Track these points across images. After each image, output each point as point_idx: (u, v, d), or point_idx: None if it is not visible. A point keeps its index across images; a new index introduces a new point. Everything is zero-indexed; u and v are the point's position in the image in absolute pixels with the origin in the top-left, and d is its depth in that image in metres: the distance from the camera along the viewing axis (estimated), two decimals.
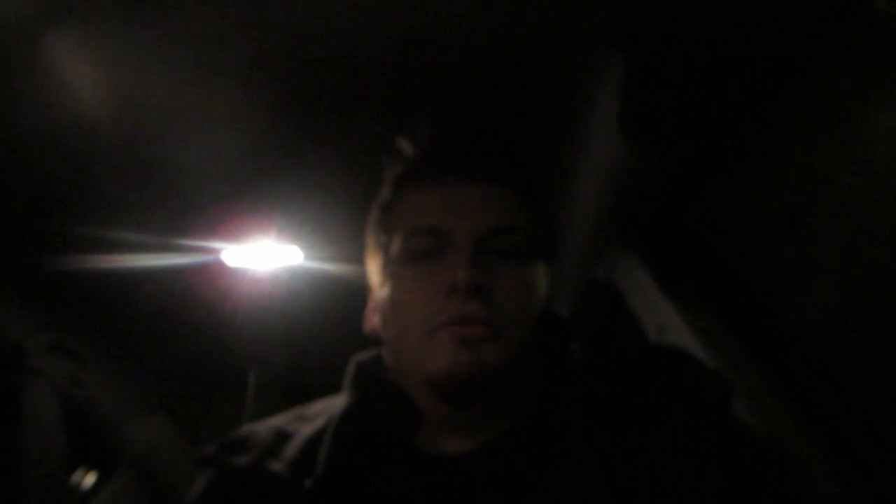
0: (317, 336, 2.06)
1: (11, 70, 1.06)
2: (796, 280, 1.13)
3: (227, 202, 1.49)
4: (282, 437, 0.71)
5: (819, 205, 1.03)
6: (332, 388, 0.77)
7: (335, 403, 0.73)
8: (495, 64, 1.08)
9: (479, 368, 0.63)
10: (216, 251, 1.68)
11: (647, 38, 0.98)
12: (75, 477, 2.17)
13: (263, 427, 0.73)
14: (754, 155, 1.18)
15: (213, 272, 1.74)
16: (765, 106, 1.10)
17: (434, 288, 0.65)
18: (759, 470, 0.62)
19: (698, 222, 1.38)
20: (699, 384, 0.68)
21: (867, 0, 0.86)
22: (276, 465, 0.67)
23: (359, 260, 0.79)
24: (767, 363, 1.18)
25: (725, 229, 1.31)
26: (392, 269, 0.71)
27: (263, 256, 1.72)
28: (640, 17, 0.95)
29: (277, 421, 0.74)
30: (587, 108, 1.19)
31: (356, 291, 0.80)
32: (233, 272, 1.78)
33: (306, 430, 0.71)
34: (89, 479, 2.23)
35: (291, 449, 0.68)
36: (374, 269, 0.76)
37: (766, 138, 1.14)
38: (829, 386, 1.09)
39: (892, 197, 0.90)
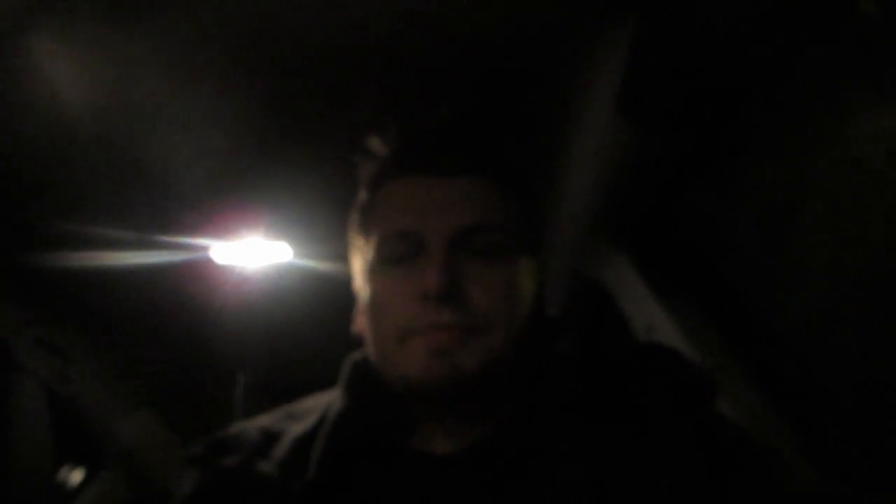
0: (305, 334, 2.06)
1: None
2: (782, 281, 1.14)
3: (216, 199, 1.48)
4: (270, 436, 0.70)
5: (808, 208, 1.04)
6: (321, 387, 0.77)
7: (325, 400, 0.73)
8: (490, 48, 1.06)
9: (454, 376, 0.61)
10: (204, 248, 1.68)
11: (656, 5, 0.97)
12: (62, 473, 2.16)
13: (251, 426, 0.72)
14: (744, 156, 1.19)
15: (202, 269, 1.74)
16: (756, 107, 1.10)
17: (407, 293, 0.63)
18: (741, 466, 0.63)
19: (687, 222, 1.39)
20: (685, 382, 0.68)
21: (852, 1, 0.86)
22: (266, 466, 0.66)
23: (348, 257, 0.79)
24: (752, 362, 1.20)
25: (714, 230, 1.32)
26: (369, 273, 0.69)
27: (252, 253, 1.72)
28: None
29: (265, 420, 0.73)
30: (581, 98, 1.18)
31: (346, 289, 0.80)
32: (221, 269, 1.77)
33: (296, 429, 0.70)
34: (76, 476, 2.22)
35: (280, 449, 0.67)
36: (356, 271, 0.74)
37: (756, 140, 1.15)
38: (809, 384, 1.10)
39: (880, 201, 0.91)
